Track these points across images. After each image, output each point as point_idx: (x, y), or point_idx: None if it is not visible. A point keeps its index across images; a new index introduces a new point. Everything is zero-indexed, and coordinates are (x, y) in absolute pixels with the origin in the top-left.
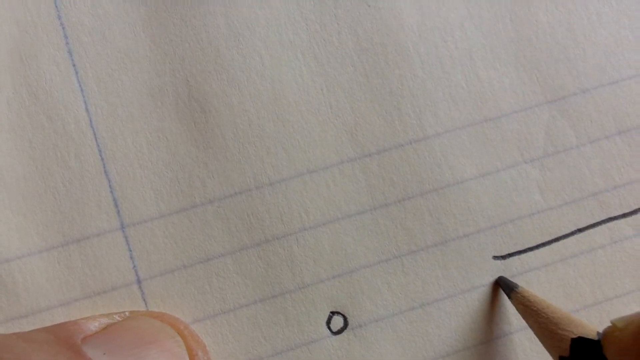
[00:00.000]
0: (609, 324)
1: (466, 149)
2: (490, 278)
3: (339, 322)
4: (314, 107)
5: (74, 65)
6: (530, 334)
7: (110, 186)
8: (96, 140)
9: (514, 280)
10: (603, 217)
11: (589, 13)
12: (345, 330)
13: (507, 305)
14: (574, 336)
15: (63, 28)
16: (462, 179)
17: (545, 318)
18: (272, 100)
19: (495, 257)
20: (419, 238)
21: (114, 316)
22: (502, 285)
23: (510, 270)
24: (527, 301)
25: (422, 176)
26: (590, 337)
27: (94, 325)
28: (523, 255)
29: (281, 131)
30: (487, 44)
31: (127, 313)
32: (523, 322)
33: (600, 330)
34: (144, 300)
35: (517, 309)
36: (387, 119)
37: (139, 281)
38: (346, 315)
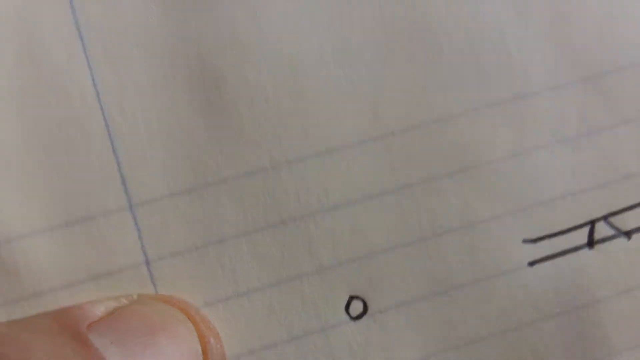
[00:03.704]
0: None
1: (495, 128)
2: (520, 262)
3: (358, 307)
4: (334, 84)
5: (81, 38)
6: (561, 322)
7: (118, 163)
8: (104, 115)
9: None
10: (637, 201)
11: None
12: (364, 316)
13: (537, 292)
14: None
15: None
16: (491, 159)
17: None
18: (290, 76)
19: (525, 241)
20: (444, 221)
21: (122, 299)
22: None
23: (541, 254)
24: None
25: (448, 156)
26: None
27: (99, 310)
28: (554, 239)
29: (299, 108)
30: (519, 18)
31: (135, 296)
32: (553, 309)
33: None
34: (153, 282)
35: None
36: (411, 96)
37: (147, 262)
38: (366, 300)
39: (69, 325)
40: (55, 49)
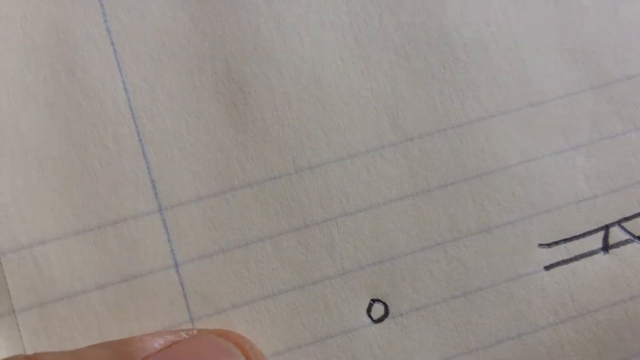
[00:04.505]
0: None
1: (510, 134)
2: (536, 266)
3: (379, 310)
4: (354, 90)
5: (112, 44)
6: (577, 325)
7: (148, 167)
8: (134, 120)
9: (560, 269)
10: None
11: None
12: (386, 319)
13: (553, 295)
14: None
15: (102, 6)
16: (506, 165)
17: None
18: (312, 82)
19: (541, 245)
20: (462, 225)
21: (181, 334)
22: None
23: (557, 258)
24: None
25: (465, 161)
26: None
27: (158, 343)
28: (569, 244)
29: (321, 114)
30: (532, 28)
31: (195, 331)
32: (569, 313)
33: None
34: (181, 284)
35: None
36: (429, 103)
37: (176, 265)
38: (387, 303)
39: (124, 355)
40: (87, 56)
